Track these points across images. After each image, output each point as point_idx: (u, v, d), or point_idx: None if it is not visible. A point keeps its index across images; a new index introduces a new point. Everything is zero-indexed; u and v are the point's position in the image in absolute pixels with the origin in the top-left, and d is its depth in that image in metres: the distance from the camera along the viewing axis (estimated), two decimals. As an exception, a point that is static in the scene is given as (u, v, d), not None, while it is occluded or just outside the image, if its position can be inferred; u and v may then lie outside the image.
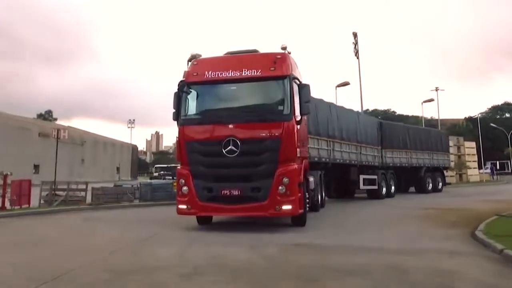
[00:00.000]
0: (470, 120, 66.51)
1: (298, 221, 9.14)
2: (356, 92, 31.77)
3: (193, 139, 8.91)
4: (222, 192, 8.52)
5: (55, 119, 76.71)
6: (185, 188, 8.76)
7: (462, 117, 72.05)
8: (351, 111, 17.59)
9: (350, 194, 18.54)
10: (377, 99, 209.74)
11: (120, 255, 6.63)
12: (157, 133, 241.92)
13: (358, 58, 31.32)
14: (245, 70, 8.87)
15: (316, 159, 12.82)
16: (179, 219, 9.34)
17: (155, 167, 64.68)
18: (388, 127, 20.60)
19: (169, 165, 55.68)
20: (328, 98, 16.18)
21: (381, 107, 79.52)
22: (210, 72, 9.04)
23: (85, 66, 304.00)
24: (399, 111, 78.69)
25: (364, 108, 33.78)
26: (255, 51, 9.62)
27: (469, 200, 16.75)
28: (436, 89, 44.61)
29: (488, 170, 41.28)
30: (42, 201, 14.47)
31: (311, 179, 10.52)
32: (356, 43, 31.56)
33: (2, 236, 9.22)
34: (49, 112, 78.33)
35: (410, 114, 73.87)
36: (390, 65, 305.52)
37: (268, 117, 8.70)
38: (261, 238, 7.90)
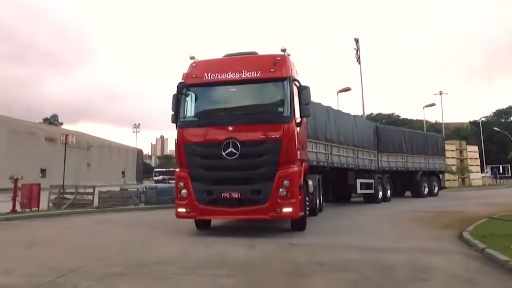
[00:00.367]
0: (475, 123, 66.22)
1: (298, 225, 9.00)
2: (359, 97, 32.09)
3: (192, 141, 8.76)
4: (222, 195, 8.40)
5: (61, 124, 77.64)
6: (184, 191, 8.60)
7: (467, 120, 71.81)
8: (348, 114, 17.54)
9: (347, 198, 18.50)
10: (381, 103, 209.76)
11: (129, 252, 7.15)
12: (162, 137, 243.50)
13: (360, 64, 31.61)
14: (244, 72, 8.71)
15: (314, 163, 12.76)
16: (182, 221, 9.49)
17: (155, 171, 64.88)
18: (384, 131, 20.55)
19: (168, 169, 55.35)
20: (330, 103, 16.26)
21: (385, 111, 79.51)
22: (209, 74, 8.92)
23: (90, 70, 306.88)
24: (404, 115, 78.28)
25: (368, 112, 34.12)
26: (254, 53, 9.51)
27: (467, 204, 16.88)
28: (440, 93, 44.83)
29: (489, 174, 41.48)
30: (51, 204, 14.93)
31: (310, 182, 10.55)
32: (357, 49, 31.80)
33: (17, 236, 9.74)
34: (54, 117, 79.14)
35: (414, 118, 73.20)
36: (395, 68, 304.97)
37: (268, 119, 8.58)
38: (260, 239, 8.17)
